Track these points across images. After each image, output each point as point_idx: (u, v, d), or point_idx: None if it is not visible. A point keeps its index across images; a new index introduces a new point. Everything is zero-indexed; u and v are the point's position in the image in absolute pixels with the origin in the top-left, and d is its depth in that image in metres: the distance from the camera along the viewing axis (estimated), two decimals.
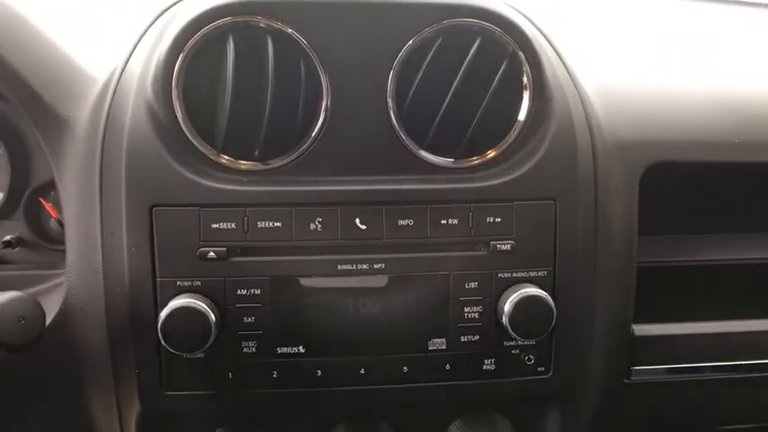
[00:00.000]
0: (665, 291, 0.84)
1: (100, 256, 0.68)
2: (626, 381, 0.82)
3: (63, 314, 0.72)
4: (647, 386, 0.84)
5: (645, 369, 0.83)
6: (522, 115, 0.68)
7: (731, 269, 0.87)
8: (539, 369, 0.73)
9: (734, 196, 0.92)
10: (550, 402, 0.77)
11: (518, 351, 0.72)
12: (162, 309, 0.65)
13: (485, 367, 0.72)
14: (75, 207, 0.69)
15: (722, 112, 0.83)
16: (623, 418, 0.87)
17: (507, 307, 0.67)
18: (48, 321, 0.72)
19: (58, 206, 0.92)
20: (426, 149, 0.68)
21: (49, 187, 0.89)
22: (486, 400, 0.76)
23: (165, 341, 0.65)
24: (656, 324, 0.82)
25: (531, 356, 0.72)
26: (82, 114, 0.70)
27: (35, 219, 0.89)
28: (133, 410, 0.72)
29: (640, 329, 0.81)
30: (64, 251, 0.72)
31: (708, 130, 0.80)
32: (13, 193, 0.87)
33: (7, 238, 0.88)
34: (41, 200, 0.89)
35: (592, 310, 0.73)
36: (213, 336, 0.65)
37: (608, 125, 0.75)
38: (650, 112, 0.80)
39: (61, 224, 0.92)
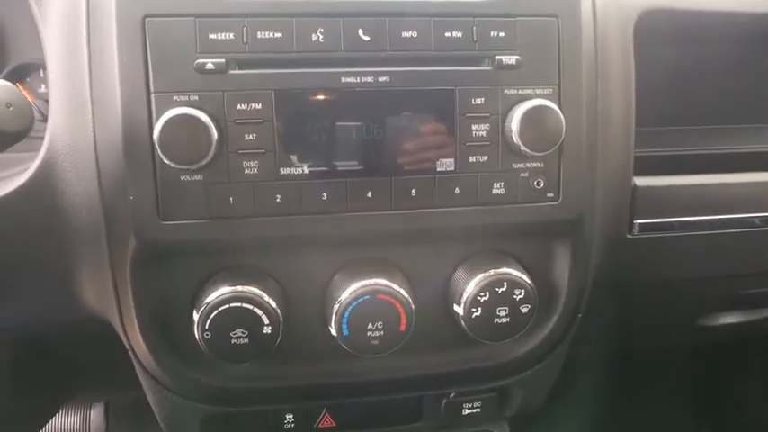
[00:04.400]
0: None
1: (87, 80, 0.65)
2: (628, 236, 0.81)
3: (47, 164, 0.67)
4: (648, 243, 0.83)
5: (646, 223, 0.82)
6: None
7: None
8: (548, 195, 0.71)
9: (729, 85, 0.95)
10: (559, 236, 0.75)
11: (527, 175, 0.70)
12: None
13: (494, 191, 0.70)
14: (59, 35, 0.66)
15: None
16: (624, 279, 0.85)
17: (516, 120, 0.66)
18: (29, 174, 0.68)
19: (34, 92, 0.89)
20: None
21: (25, 72, 0.86)
22: (496, 231, 0.73)
23: (161, 152, 0.61)
24: (657, 176, 0.82)
25: (541, 180, 0.70)
26: None
27: None
28: (127, 251, 0.66)
29: (642, 180, 0.81)
30: (41, 138, 0.69)
31: None
32: None
33: None
34: (18, 84, 0.85)
35: (595, 138, 0.73)
36: (213, 150, 0.62)
37: None
38: None
39: (40, 111, 0.88)
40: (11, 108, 0.55)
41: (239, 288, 0.67)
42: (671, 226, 0.84)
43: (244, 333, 0.68)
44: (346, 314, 0.69)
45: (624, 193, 0.79)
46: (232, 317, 0.67)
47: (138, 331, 0.71)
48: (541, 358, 0.82)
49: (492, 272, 0.71)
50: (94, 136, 0.65)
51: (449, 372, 0.79)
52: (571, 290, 0.77)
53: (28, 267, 0.72)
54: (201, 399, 0.77)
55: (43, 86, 0.90)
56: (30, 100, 0.58)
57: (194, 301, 0.69)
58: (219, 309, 0.66)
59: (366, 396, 0.82)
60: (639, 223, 0.82)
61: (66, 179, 0.67)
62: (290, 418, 0.85)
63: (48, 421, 1.04)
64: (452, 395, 0.87)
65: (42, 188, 0.67)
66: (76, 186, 0.67)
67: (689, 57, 0.94)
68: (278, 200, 0.66)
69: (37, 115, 0.89)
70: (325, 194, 0.67)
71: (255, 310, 0.67)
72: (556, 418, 1.37)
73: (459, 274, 0.74)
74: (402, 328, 0.70)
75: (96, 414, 1.59)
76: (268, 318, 0.67)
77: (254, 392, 0.77)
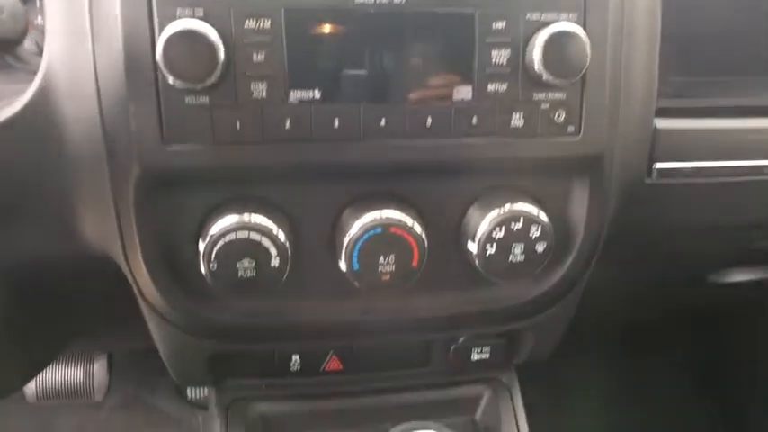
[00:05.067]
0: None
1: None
2: (647, 180, 0.79)
3: (43, 90, 0.64)
4: (667, 190, 0.80)
5: (666, 168, 0.79)
6: None
7: None
8: (569, 129, 0.68)
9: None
10: (578, 173, 0.72)
11: (548, 106, 0.67)
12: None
13: (513, 123, 0.67)
14: None
15: None
16: (639, 227, 0.83)
17: (538, 46, 0.63)
18: (25, 101, 0.65)
19: (31, 23, 0.85)
20: None
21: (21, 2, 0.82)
22: (513, 166, 0.70)
23: (165, 68, 0.58)
24: (678, 119, 0.79)
25: (562, 113, 0.67)
26: None
27: None
28: (130, 179, 0.64)
29: (663, 123, 0.78)
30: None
31: None
32: None
33: None
34: None
35: (618, 72, 0.69)
36: (219, 70, 0.59)
37: None
38: None
39: (37, 44, 0.84)
40: (3, 15, 0.52)
41: (246, 218, 0.65)
42: (692, 172, 0.81)
43: (251, 265, 0.66)
44: (357, 248, 0.67)
45: (645, 135, 0.76)
46: (239, 247, 0.65)
47: (142, 264, 0.69)
48: (554, 302, 0.80)
49: (508, 208, 0.69)
50: (94, 56, 0.62)
51: (459, 314, 0.78)
52: (588, 231, 0.74)
53: (26, 199, 0.69)
54: (207, 335, 0.76)
55: (40, 18, 0.87)
56: (22, 5, 0.55)
57: (200, 232, 0.67)
58: (226, 238, 0.64)
59: (374, 337, 0.81)
60: (659, 168, 0.79)
61: (64, 104, 0.64)
62: (296, 360, 0.84)
63: (47, 365, 1.03)
64: (461, 340, 0.85)
65: (39, 115, 0.64)
66: (75, 112, 0.64)
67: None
68: (287, 126, 0.63)
69: (33, 47, 0.86)
70: (336, 121, 0.64)
71: (263, 241, 0.65)
72: (562, 375, 1.37)
73: (474, 211, 0.71)
74: (414, 263, 0.68)
75: (99, 367, 1.59)
76: (276, 250, 0.65)
77: (260, 330, 0.75)
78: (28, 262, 0.77)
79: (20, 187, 0.68)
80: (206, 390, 1.71)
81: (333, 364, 0.85)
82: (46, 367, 1.04)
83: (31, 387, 1.54)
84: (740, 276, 1.12)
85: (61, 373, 1.56)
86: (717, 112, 0.83)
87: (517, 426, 0.89)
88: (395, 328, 0.79)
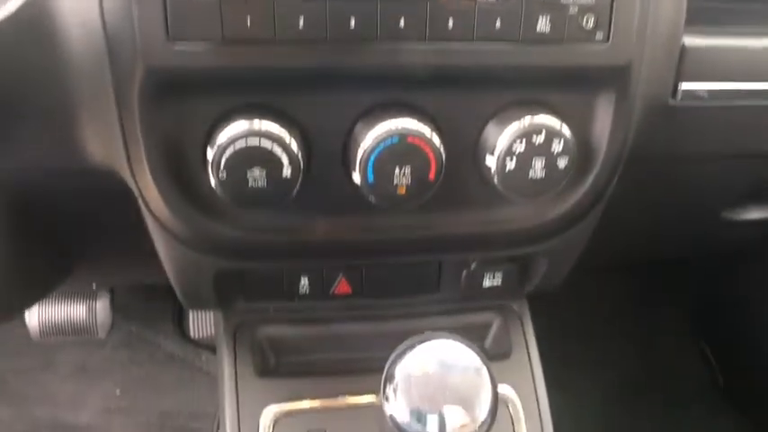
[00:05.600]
0: None
1: None
2: (671, 101, 0.76)
3: None
4: (691, 112, 0.77)
5: (691, 88, 0.76)
6: None
7: None
8: (597, 36, 0.65)
9: None
10: (603, 85, 0.69)
11: (576, 11, 0.63)
12: None
13: (539, 28, 0.63)
14: None
15: None
16: (659, 151, 0.80)
17: None
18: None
19: None
20: None
21: None
22: (536, 76, 0.67)
23: None
24: (707, 37, 0.76)
25: (590, 18, 0.64)
26: None
27: None
28: (134, 81, 0.61)
29: (691, 40, 0.74)
30: None
31: None
32: None
33: None
34: None
35: None
36: None
37: None
38: None
39: None
40: None
41: (257, 124, 0.62)
42: (718, 94, 0.77)
43: (261, 175, 0.63)
44: (372, 158, 0.64)
45: (673, 51, 0.73)
46: (249, 155, 0.62)
47: (148, 174, 0.66)
48: (571, 225, 0.78)
49: (529, 120, 0.66)
50: None
51: (474, 234, 0.76)
52: (610, 148, 0.72)
53: (25, 107, 0.66)
54: (215, 252, 0.74)
55: None
56: None
57: (208, 139, 0.64)
58: (236, 145, 0.61)
59: (385, 257, 0.79)
60: (684, 90, 0.76)
61: (62, 1, 0.60)
62: (305, 283, 0.82)
63: (49, 291, 1.01)
64: (473, 266, 0.84)
65: (36, 14, 0.61)
66: (74, 7, 0.60)
67: None
68: (300, 24, 0.60)
69: None
70: (353, 20, 0.60)
71: (274, 149, 0.62)
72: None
73: (493, 125, 0.68)
74: (431, 176, 0.66)
75: (102, 305, 1.59)
76: (288, 159, 0.63)
77: (269, 246, 0.73)
78: (30, 178, 0.75)
79: (19, 88, 0.64)
80: (210, 329, 1.72)
81: (342, 287, 0.83)
82: (47, 295, 1.02)
83: (34, 323, 1.54)
84: (755, 214, 1.10)
85: (64, 310, 1.55)
86: (746, 34, 0.79)
87: (528, 353, 0.88)
88: (407, 248, 0.77)
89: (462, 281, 0.84)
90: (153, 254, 0.81)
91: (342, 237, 0.73)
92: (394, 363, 0.60)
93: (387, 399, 0.59)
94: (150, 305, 1.77)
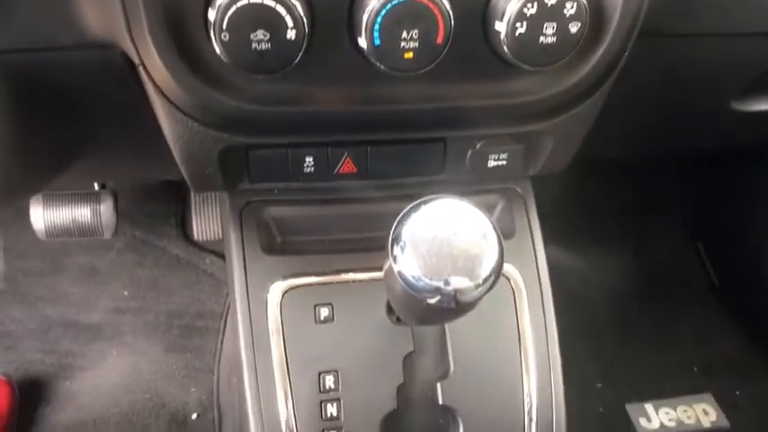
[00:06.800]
0: None
1: None
2: None
3: None
4: None
5: None
6: None
7: None
8: None
9: None
10: None
11: None
12: None
13: None
14: None
15: None
16: (670, 27, 0.78)
17: None
18: None
19: None
20: None
21: None
22: None
23: None
24: None
25: None
26: None
27: None
28: None
29: None
30: None
31: None
32: None
33: None
34: None
35: None
36: None
37: None
38: None
39: None
40: None
41: None
42: None
43: (265, 36, 0.61)
44: (379, 19, 0.62)
45: None
46: (252, 15, 0.60)
47: (150, 42, 0.65)
48: (580, 100, 0.77)
49: None
50: None
51: (481, 107, 0.74)
52: (623, 16, 0.69)
53: None
54: (219, 124, 0.73)
55: None
56: None
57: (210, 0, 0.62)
58: (238, 4, 0.59)
59: (390, 132, 0.78)
60: None
61: None
62: (309, 162, 0.82)
63: (50, 180, 1.01)
64: (479, 145, 0.83)
65: None
66: None
67: None
68: None
69: None
70: None
71: (278, 8, 0.60)
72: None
73: None
74: (439, 40, 0.64)
75: (105, 207, 1.59)
76: (292, 21, 0.61)
77: (272, 117, 0.72)
78: (30, 58, 0.73)
79: None
80: (213, 232, 1.74)
81: (347, 166, 0.83)
82: (50, 183, 1.01)
83: (40, 225, 1.55)
84: (765, 105, 1.08)
85: (68, 212, 1.56)
86: None
87: (531, 234, 0.90)
88: (412, 122, 0.76)
89: (467, 161, 0.84)
90: (154, 147, 0.80)
91: (346, 107, 0.72)
92: (401, 223, 0.61)
93: (395, 259, 0.60)
94: (153, 210, 1.78)
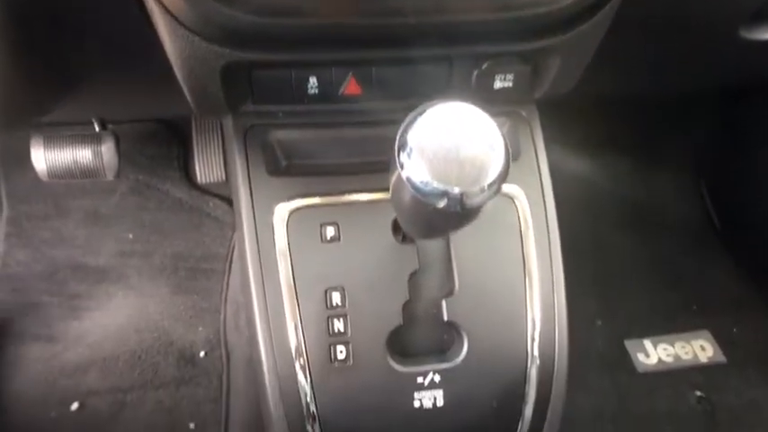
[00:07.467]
0: None
1: None
2: None
3: None
4: None
5: None
6: None
7: None
8: None
9: None
10: None
11: None
12: None
13: None
14: None
15: None
16: None
17: None
18: None
19: None
20: None
21: None
22: None
23: None
24: None
25: None
26: None
27: None
28: None
29: None
30: None
31: None
32: None
33: None
34: None
35: None
36: None
37: None
38: None
39: None
40: None
41: None
42: None
43: None
44: None
45: None
46: None
47: None
48: (586, 14, 0.76)
49: None
50: None
51: (487, 20, 0.73)
52: None
53: None
54: (220, 38, 0.72)
55: None
56: None
57: None
58: None
59: (395, 48, 0.77)
60: None
61: None
62: (313, 83, 0.81)
63: (51, 106, 1.00)
64: (485, 66, 0.82)
65: None
66: None
67: None
68: None
69: None
70: None
71: None
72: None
73: None
74: None
75: (107, 148, 1.59)
76: None
77: (276, 31, 0.71)
78: None
79: None
80: (216, 174, 1.73)
81: (351, 87, 0.82)
82: (48, 110, 1.00)
83: (42, 166, 1.55)
84: None
85: (70, 153, 1.56)
86: None
87: (536, 156, 0.90)
88: (417, 36, 0.75)
89: (473, 82, 0.83)
90: (154, 77, 0.79)
91: (348, 19, 0.71)
92: (406, 129, 0.61)
93: (402, 165, 0.60)
94: (155, 152, 1.77)
